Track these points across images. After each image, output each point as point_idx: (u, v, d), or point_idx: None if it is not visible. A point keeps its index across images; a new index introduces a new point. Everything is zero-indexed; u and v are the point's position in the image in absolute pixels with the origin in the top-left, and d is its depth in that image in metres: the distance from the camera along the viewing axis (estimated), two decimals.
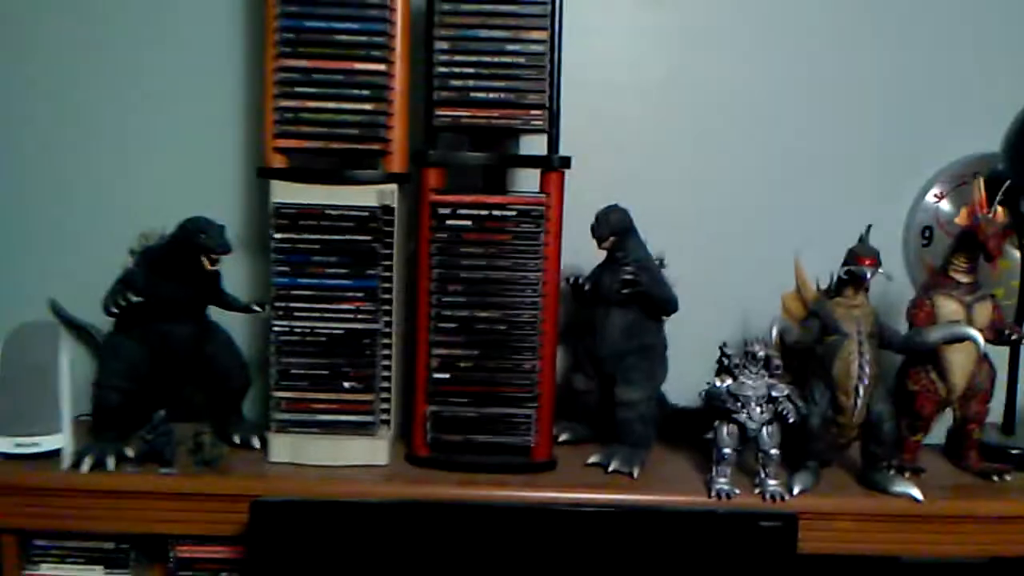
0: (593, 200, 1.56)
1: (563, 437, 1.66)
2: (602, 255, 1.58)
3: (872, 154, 1.79)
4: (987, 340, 1.54)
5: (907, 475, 1.52)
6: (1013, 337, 1.52)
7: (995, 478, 1.54)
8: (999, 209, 1.47)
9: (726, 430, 1.44)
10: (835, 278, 1.50)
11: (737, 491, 1.43)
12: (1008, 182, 1.51)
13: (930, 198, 1.81)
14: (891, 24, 1.77)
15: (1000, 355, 1.67)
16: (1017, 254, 1.74)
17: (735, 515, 1.36)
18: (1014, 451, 1.63)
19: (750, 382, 1.43)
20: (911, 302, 1.55)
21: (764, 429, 1.43)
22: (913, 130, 1.79)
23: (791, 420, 1.42)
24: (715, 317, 1.73)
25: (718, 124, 1.78)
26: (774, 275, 1.63)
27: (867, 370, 1.43)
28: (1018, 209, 1.66)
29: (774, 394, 1.42)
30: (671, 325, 1.64)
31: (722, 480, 1.43)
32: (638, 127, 1.78)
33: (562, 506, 1.40)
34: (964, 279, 1.52)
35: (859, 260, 1.44)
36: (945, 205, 1.80)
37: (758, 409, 1.42)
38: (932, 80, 1.78)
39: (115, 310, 1.44)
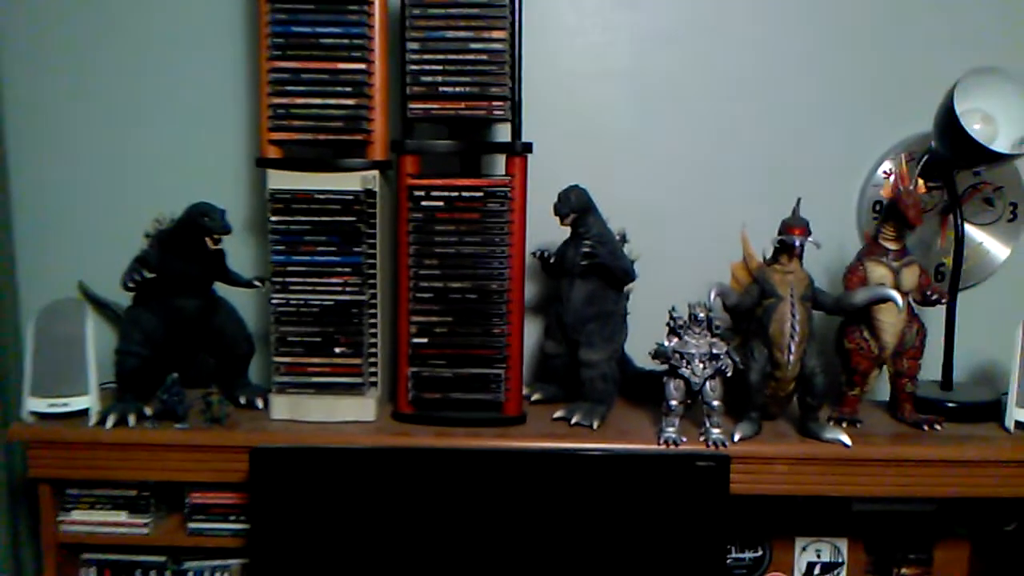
0: (564, 181, 1.72)
1: (536, 397, 1.83)
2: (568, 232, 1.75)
3: (826, 136, 1.93)
4: (916, 301, 1.70)
5: (844, 425, 1.67)
6: (934, 298, 1.66)
7: (925, 428, 1.69)
8: (920, 182, 1.61)
9: (673, 384, 1.60)
10: (772, 247, 1.65)
11: (684, 439, 1.60)
12: (926, 157, 1.65)
13: (880, 175, 1.95)
14: (841, 14, 1.91)
15: (937, 317, 1.82)
16: (965, 227, 1.87)
17: (676, 456, 1.54)
18: (950, 404, 1.77)
19: (693, 341, 1.59)
20: (847, 268, 1.70)
21: (707, 383, 1.59)
22: (863, 114, 1.92)
23: (728, 374, 1.58)
24: (679, 287, 1.85)
25: (679, 111, 1.93)
26: (732, 248, 1.79)
27: (798, 329, 1.59)
28: (953, 184, 1.81)
29: (715, 351, 1.58)
30: (638, 296, 1.80)
31: (670, 429, 1.60)
32: (604, 115, 1.93)
33: (527, 451, 1.57)
34: (892, 246, 1.67)
35: (790, 230, 1.59)
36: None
37: (701, 365, 1.58)
38: (880, 67, 1.91)
39: (131, 285, 1.63)
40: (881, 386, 1.84)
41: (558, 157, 1.82)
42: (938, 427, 1.69)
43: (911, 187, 1.60)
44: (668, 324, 1.62)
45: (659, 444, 1.59)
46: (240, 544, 1.70)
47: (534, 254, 1.78)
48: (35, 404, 1.66)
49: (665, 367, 1.61)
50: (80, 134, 1.94)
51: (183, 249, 1.65)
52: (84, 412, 1.67)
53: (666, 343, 1.60)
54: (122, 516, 1.71)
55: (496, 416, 1.70)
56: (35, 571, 1.96)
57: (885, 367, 1.73)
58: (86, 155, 1.95)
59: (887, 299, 1.59)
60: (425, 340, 1.69)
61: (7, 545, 1.90)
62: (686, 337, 1.59)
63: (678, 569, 1.55)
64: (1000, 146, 1.69)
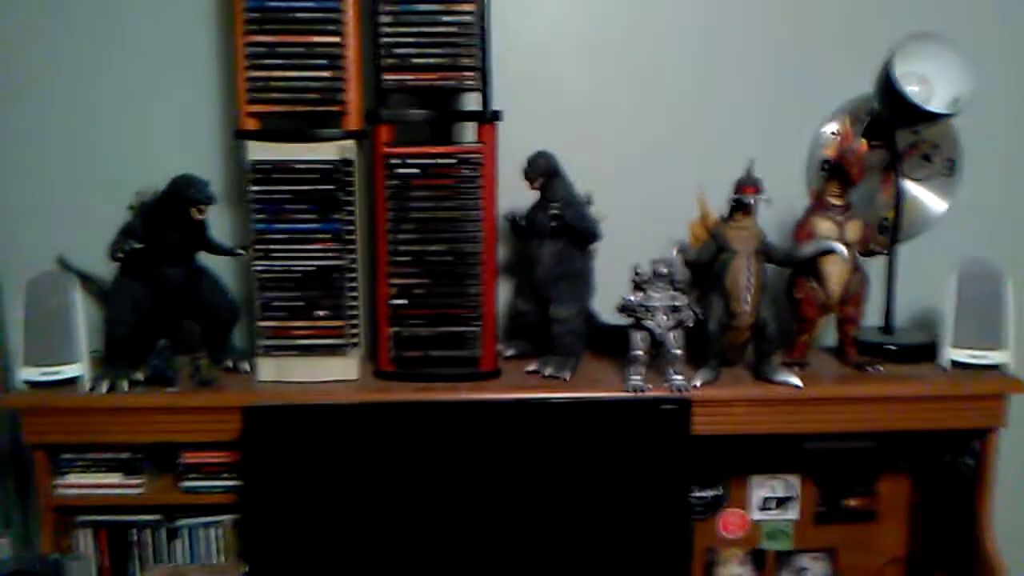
0: (533, 147, 1.81)
1: (509, 353, 1.93)
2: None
3: (776, 100, 2.03)
4: (859, 253, 1.83)
5: (794, 368, 1.81)
6: (874, 249, 1.80)
7: (868, 369, 1.83)
8: (862, 141, 1.73)
9: (638, 336, 1.72)
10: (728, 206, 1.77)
11: (649, 386, 1.72)
12: (870, 119, 1.77)
13: (827, 134, 2.06)
14: None
15: (879, 267, 1.96)
16: (904, 182, 2.01)
17: (642, 402, 1.66)
18: (891, 347, 1.92)
19: (657, 295, 1.70)
20: (796, 223, 1.83)
21: (670, 334, 1.71)
22: (811, 78, 2.02)
23: (689, 325, 1.70)
24: (642, 246, 1.93)
25: (639, 79, 2.02)
26: (690, 207, 1.91)
27: (752, 281, 1.72)
28: (893, 144, 1.94)
29: (676, 304, 1.70)
30: (604, 254, 1.90)
31: (636, 377, 1.72)
32: (570, 83, 2.01)
33: (502, 402, 1.68)
34: (837, 202, 1.80)
35: (743, 189, 1.71)
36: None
37: (664, 317, 1.70)
38: (825, 33, 2.01)
39: (120, 255, 1.69)
40: (828, 332, 1.98)
41: (526, 124, 1.90)
42: (879, 368, 1.83)
43: (854, 146, 1.72)
44: (632, 280, 1.73)
45: (626, 391, 1.71)
46: (231, 500, 1.78)
47: (505, 217, 1.87)
48: (28, 373, 1.72)
49: (630, 320, 1.72)
50: (59, 109, 1.97)
51: (168, 220, 1.71)
52: (75, 379, 1.74)
53: (631, 297, 1.72)
54: (116, 478, 1.78)
55: (472, 371, 1.80)
56: (24, 534, 2.03)
57: (832, 314, 1.86)
58: (64, 131, 1.98)
59: (831, 251, 1.72)
60: (404, 301, 1.78)
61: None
62: (650, 291, 1.71)
63: (646, 505, 1.68)
64: (935, 106, 1.82)
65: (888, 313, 1.97)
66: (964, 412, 1.78)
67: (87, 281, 1.98)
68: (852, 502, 2.06)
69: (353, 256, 1.79)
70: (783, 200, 1.93)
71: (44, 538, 1.79)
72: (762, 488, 2.04)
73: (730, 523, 2.05)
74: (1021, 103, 2.06)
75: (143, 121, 1.98)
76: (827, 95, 2.04)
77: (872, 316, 2.01)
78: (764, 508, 2.05)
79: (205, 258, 1.84)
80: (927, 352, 1.90)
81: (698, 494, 2.03)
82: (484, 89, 1.73)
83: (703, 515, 2.04)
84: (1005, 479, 1.88)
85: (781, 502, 2.05)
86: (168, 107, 1.97)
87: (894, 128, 1.92)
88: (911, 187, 2.07)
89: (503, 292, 1.97)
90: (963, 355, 1.82)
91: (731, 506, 2.04)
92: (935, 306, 2.09)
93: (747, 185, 1.71)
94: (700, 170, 1.94)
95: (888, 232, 1.98)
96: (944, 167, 2.09)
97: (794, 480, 2.04)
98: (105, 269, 1.82)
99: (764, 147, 1.91)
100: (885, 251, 1.82)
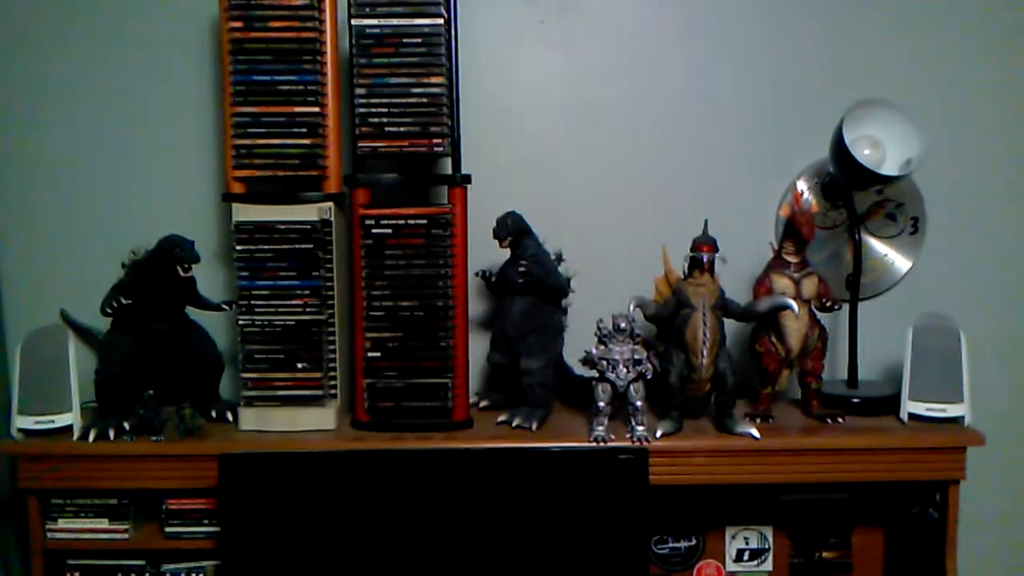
0: (504, 207, 1.91)
1: (483, 404, 2.01)
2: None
3: (744, 162, 2.12)
4: (816, 308, 1.89)
5: (757, 421, 1.86)
6: (828, 305, 1.86)
7: (829, 421, 1.88)
8: (813, 202, 1.81)
9: (601, 388, 1.79)
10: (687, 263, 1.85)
11: (612, 436, 1.78)
12: (821, 179, 1.86)
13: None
14: (756, 53, 2.12)
15: (842, 321, 2.02)
16: (871, 240, 2.09)
17: (601, 451, 1.72)
18: (854, 400, 1.97)
19: (617, 348, 1.78)
20: (756, 280, 1.90)
21: (631, 386, 1.78)
22: (777, 141, 2.11)
23: (649, 377, 1.77)
24: (614, 300, 1.94)
25: (607, 141, 2.13)
26: (659, 264, 1.99)
27: (708, 336, 1.78)
28: (852, 203, 2.02)
29: (636, 357, 1.77)
30: (577, 308, 1.98)
31: (599, 428, 1.78)
32: (538, 146, 2.12)
33: (471, 451, 1.75)
34: (793, 259, 1.87)
35: (699, 248, 1.79)
36: (807, 197, 2.13)
37: (625, 370, 1.77)
38: (790, 100, 2.11)
39: (110, 311, 1.80)
40: (796, 385, 2.03)
41: (497, 186, 2.00)
42: (840, 420, 1.88)
43: (804, 206, 1.80)
44: (595, 333, 1.80)
45: (590, 442, 1.77)
46: (214, 546, 1.84)
47: (477, 274, 1.96)
48: (23, 422, 1.82)
49: (594, 372, 1.79)
50: (62, 175, 2.11)
51: (156, 277, 1.82)
52: (68, 428, 1.83)
53: (593, 350, 1.79)
54: (103, 523, 1.86)
55: (445, 421, 1.87)
56: None
57: (794, 368, 1.92)
58: (67, 194, 2.11)
59: (785, 307, 1.79)
60: (379, 354, 1.86)
61: None
62: (611, 344, 1.78)
63: (606, 553, 1.73)
64: (888, 168, 1.90)
65: (852, 367, 2.03)
66: (923, 464, 1.81)
67: (87, 335, 2.10)
68: (828, 555, 2.08)
69: (331, 311, 1.89)
70: (752, 257, 2.00)
71: None
72: (736, 539, 2.07)
73: (706, 575, 2.08)
74: (981, 163, 2.13)
75: (142, 184, 2.10)
76: (795, 156, 2.12)
77: (840, 370, 2.07)
78: (738, 560, 2.08)
79: (194, 313, 1.94)
80: (890, 405, 1.94)
81: (673, 545, 2.06)
82: (454, 154, 1.84)
83: (679, 566, 2.07)
84: (970, 531, 1.90)
85: (756, 553, 2.08)
86: (165, 171, 2.10)
87: (851, 189, 2.00)
88: (878, 245, 2.14)
89: (480, 345, 2.05)
90: (921, 408, 1.86)
91: (707, 557, 2.07)
92: (901, 360, 2.14)
93: (702, 244, 1.79)
94: (670, 228, 2.01)
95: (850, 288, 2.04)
96: (909, 225, 2.16)
97: (768, 531, 2.07)
98: (105, 323, 1.92)
99: (734, 207, 2.00)
100: (838, 307, 1.88)
